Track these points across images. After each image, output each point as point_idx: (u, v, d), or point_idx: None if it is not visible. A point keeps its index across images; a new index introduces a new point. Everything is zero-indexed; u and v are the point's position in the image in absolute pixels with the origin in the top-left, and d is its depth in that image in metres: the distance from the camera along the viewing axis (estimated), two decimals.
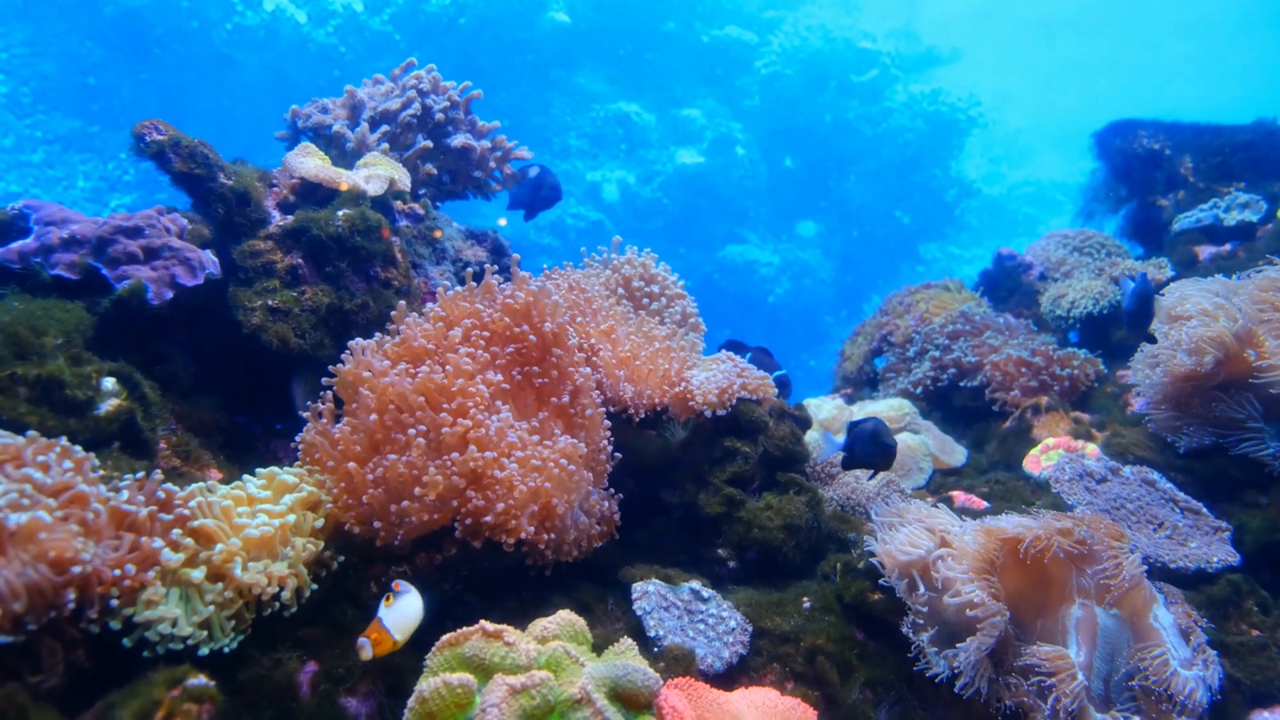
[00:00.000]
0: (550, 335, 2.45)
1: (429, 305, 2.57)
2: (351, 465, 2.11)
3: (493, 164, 3.63)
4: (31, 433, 1.80)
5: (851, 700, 2.08)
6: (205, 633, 1.77)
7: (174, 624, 1.72)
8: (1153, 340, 3.07)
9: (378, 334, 2.45)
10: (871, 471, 2.78)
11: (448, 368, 2.24)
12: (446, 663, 1.67)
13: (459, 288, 2.56)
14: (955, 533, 2.14)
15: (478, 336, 2.38)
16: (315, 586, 2.01)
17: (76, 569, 1.61)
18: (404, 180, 3.13)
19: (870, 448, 2.57)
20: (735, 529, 2.54)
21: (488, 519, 2.06)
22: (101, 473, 1.86)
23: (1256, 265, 3.05)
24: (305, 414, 2.32)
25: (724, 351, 2.98)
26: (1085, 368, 3.77)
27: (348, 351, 2.35)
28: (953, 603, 1.97)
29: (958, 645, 1.94)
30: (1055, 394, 3.69)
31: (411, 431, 2.12)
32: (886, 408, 3.73)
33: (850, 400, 4.21)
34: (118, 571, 1.68)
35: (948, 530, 2.16)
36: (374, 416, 2.16)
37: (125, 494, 1.83)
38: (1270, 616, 2.34)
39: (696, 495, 2.64)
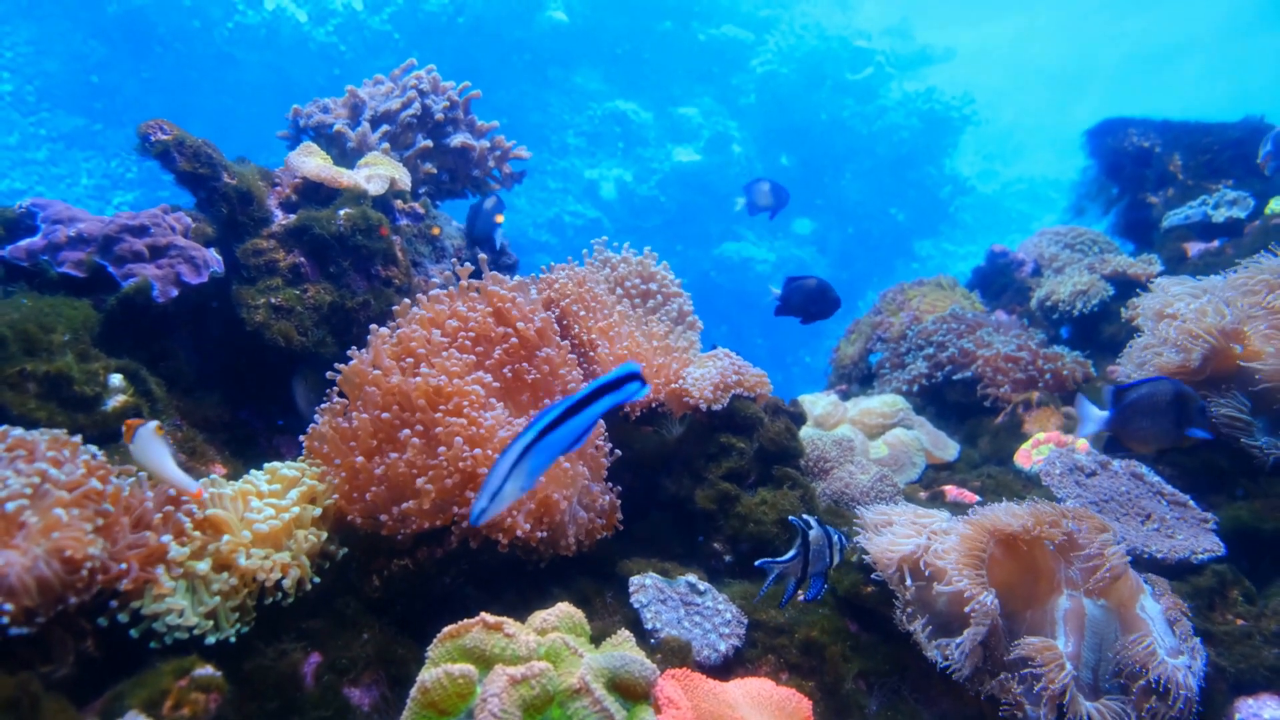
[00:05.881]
0: (533, 335, 2.48)
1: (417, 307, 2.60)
2: (359, 460, 2.15)
3: (492, 163, 3.67)
4: (57, 431, 1.84)
5: (845, 690, 2.12)
6: (211, 623, 1.81)
7: (180, 614, 1.76)
8: None
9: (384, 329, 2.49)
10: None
11: (433, 371, 2.27)
12: (448, 654, 1.70)
13: (440, 290, 2.59)
14: (944, 527, 2.18)
15: (464, 337, 2.41)
16: (318, 579, 2.04)
17: (88, 565, 1.64)
18: (404, 179, 3.16)
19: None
20: (730, 523, 2.58)
21: None
22: (103, 471, 1.89)
23: (1244, 261, 3.09)
24: (308, 411, 2.35)
25: (720, 349, 3.02)
26: (1075, 371, 3.81)
27: (354, 348, 2.39)
28: (944, 592, 2.01)
29: (953, 637, 1.98)
30: (1044, 389, 3.73)
31: (408, 431, 2.16)
32: (880, 404, 3.77)
33: (845, 396, 4.25)
34: (125, 566, 1.72)
35: (937, 525, 2.21)
36: (384, 414, 2.19)
37: (136, 490, 1.87)
38: (1255, 606, 2.38)
39: (692, 490, 2.68)
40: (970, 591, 1.96)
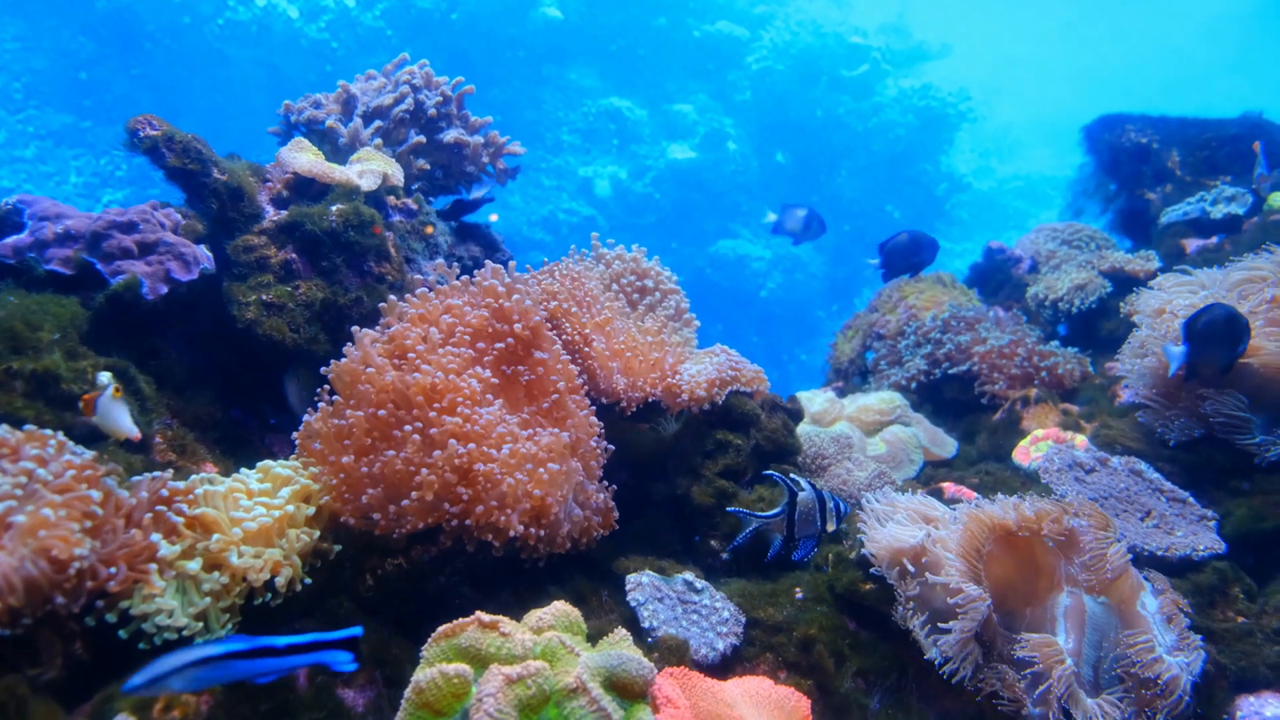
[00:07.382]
0: (526, 335, 2.45)
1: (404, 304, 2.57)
2: (348, 460, 2.13)
3: (485, 159, 3.64)
4: (29, 427, 1.81)
5: (844, 689, 2.10)
6: (201, 624, 1.79)
7: (170, 615, 1.73)
8: None
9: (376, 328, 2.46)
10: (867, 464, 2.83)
11: (428, 367, 2.24)
12: (443, 653, 1.68)
13: (427, 289, 2.56)
14: (944, 521, 2.16)
15: (460, 335, 2.39)
16: (309, 580, 2.02)
17: (76, 565, 1.62)
18: (397, 175, 3.14)
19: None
20: (728, 521, 2.56)
21: (469, 521, 2.07)
22: (91, 471, 1.86)
23: (1244, 257, 3.07)
24: (300, 409, 2.32)
25: (717, 345, 3.00)
26: (1072, 370, 3.79)
27: (349, 345, 2.36)
28: (937, 584, 1.99)
29: (943, 628, 1.97)
30: (1042, 386, 3.71)
31: (408, 428, 2.13)
32: (878, 400, 3.75)
33: (842, 393, 4.24)
34: (115, 569, 1.69)
35: (937, 519, 2.19)
36: (380, 411, 2.17)
37: (127, 490, 1.84)
38: (1255, 603, 2.37)
39: (689, 487, 2.66)
40: (957, 583, 1.94)
